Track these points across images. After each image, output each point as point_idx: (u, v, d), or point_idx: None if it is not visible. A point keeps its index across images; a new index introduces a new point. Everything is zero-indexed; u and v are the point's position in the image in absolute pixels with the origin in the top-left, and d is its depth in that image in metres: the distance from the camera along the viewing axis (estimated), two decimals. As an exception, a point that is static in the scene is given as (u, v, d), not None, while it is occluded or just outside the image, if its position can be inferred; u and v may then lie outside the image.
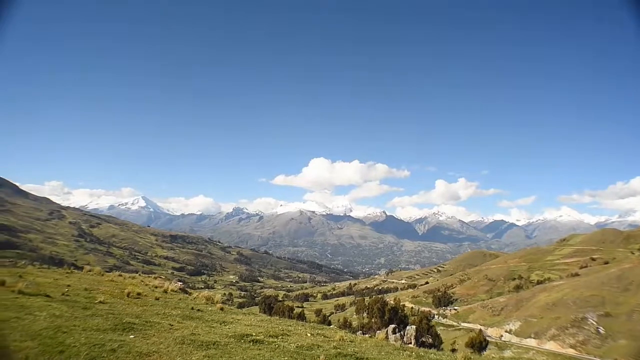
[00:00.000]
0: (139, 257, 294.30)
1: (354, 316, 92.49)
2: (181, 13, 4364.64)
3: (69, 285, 22.32)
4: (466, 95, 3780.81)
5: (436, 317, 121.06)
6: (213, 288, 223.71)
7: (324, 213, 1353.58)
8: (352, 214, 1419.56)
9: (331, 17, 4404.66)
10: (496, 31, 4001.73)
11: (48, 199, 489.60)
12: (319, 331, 18.43)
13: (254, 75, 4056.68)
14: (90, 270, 35.45)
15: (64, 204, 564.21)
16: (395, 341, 22.56)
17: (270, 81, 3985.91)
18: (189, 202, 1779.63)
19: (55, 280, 24.55)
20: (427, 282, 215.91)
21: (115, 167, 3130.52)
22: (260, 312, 52.99)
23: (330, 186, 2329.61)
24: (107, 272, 37.06)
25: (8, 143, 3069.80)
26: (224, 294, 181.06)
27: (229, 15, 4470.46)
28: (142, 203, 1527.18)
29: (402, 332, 27.50)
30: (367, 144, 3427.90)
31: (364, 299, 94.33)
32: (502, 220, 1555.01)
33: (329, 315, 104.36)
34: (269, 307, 70.28)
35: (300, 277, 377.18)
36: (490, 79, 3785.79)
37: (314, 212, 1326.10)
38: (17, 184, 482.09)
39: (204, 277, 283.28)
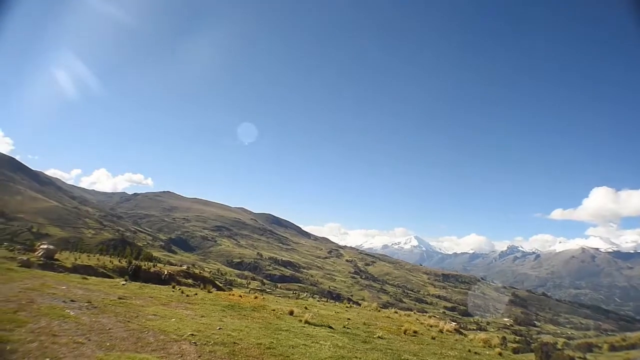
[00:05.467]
0: (412, 295, 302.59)
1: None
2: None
3: (348, 319, 24.18)
4: None
5: None
6: (485, 330, 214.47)
7: (610, 250, 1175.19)
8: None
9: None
10: None
11: (327, 238, 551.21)
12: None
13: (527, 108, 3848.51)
14: (367, 306, 37.88)
15: (341, 243, 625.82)
16: None
17: (556, 116, 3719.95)
18: (460, 241, 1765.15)
19: (336, 313, 26.96)
20: None
21: (388, 209, 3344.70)
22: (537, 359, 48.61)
23: (616, 218, 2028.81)
24: (381, 308, 38.95)
25: (292, 191, 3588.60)
26: (498, 337, 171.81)
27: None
28: (415, 242, 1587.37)
29: None
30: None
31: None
32: None
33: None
34: (547, 355, 64.65)
35: (582, 324, 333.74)
36: None
37: (597, 249, 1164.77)
38: (300, 225, 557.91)
39: (476, 318, 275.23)
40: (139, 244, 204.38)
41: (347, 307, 35.54)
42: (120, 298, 20.00)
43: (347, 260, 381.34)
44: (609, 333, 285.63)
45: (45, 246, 46.91)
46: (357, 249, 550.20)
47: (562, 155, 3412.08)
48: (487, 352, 20.98)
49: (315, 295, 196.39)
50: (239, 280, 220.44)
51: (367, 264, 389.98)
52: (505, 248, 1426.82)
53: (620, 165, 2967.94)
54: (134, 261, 58.79)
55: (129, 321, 14.65)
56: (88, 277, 31.01)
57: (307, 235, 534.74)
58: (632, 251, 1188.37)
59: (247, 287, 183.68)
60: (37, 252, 44.17)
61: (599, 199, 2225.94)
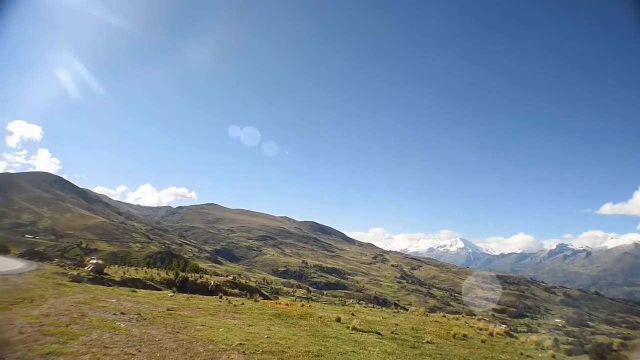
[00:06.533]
0: (459, 298, 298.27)
1: None
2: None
3: (396, 324, 23.94)
4: None
5: None
6: (536, 332, 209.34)
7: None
8: None
9: None
10: None
11: (372, 244, 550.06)
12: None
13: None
14: (414, 311, 37.53)
15: (386, 248, 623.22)
16: None
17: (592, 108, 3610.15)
18: (508, 241, 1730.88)
19: (383, 319, 26.80)
20: None
21: (433, 211, 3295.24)
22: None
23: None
24: (429, 312, 38.53)
25: (335, 198, 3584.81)
26: (549, 339, 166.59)
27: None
28: (461, 244, 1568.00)
29: None
30: None
31: None
32: None
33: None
34: (602, 356, 61.12)
35: (639, 323, 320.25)
36: None
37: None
38: (344, 232, 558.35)
39: (526, 319, 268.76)
40: (185, 256, 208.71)
41: (394, 312, 35.32)
42: (168, 309, 20.41)
43: (392, 265, 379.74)
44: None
45: (94, 261, 48.40)
46: (403, 254, 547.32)
47: (609, 146, 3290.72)
48: (540, 355, 20.62)
49: (361, 302, 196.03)
50: (284, 288, 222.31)
51: (413, 268, 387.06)
52: (554, 246, 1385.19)
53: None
54: (180, 273, 60.03)
55: (178, 332, 14.90)
56: (137, 289, 31.86)
57: (351, 241, 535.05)
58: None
59: (293, 296, 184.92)
60: (86, 267, 45.68)
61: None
